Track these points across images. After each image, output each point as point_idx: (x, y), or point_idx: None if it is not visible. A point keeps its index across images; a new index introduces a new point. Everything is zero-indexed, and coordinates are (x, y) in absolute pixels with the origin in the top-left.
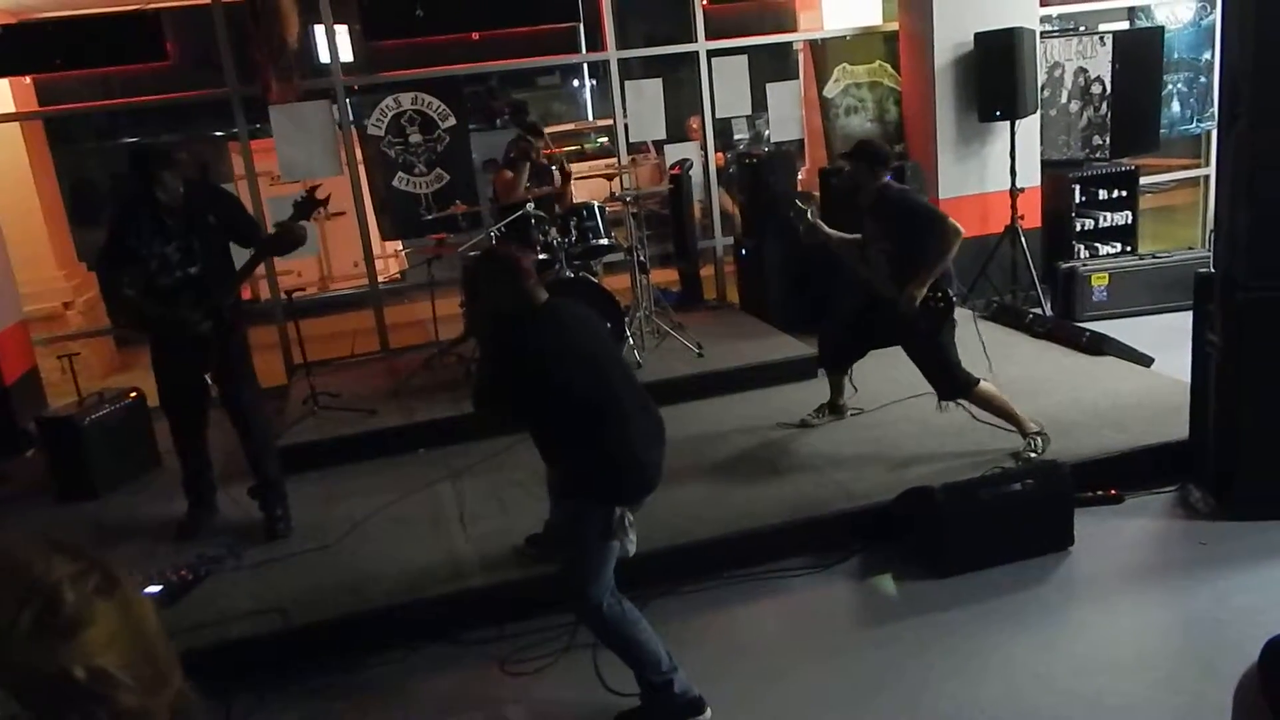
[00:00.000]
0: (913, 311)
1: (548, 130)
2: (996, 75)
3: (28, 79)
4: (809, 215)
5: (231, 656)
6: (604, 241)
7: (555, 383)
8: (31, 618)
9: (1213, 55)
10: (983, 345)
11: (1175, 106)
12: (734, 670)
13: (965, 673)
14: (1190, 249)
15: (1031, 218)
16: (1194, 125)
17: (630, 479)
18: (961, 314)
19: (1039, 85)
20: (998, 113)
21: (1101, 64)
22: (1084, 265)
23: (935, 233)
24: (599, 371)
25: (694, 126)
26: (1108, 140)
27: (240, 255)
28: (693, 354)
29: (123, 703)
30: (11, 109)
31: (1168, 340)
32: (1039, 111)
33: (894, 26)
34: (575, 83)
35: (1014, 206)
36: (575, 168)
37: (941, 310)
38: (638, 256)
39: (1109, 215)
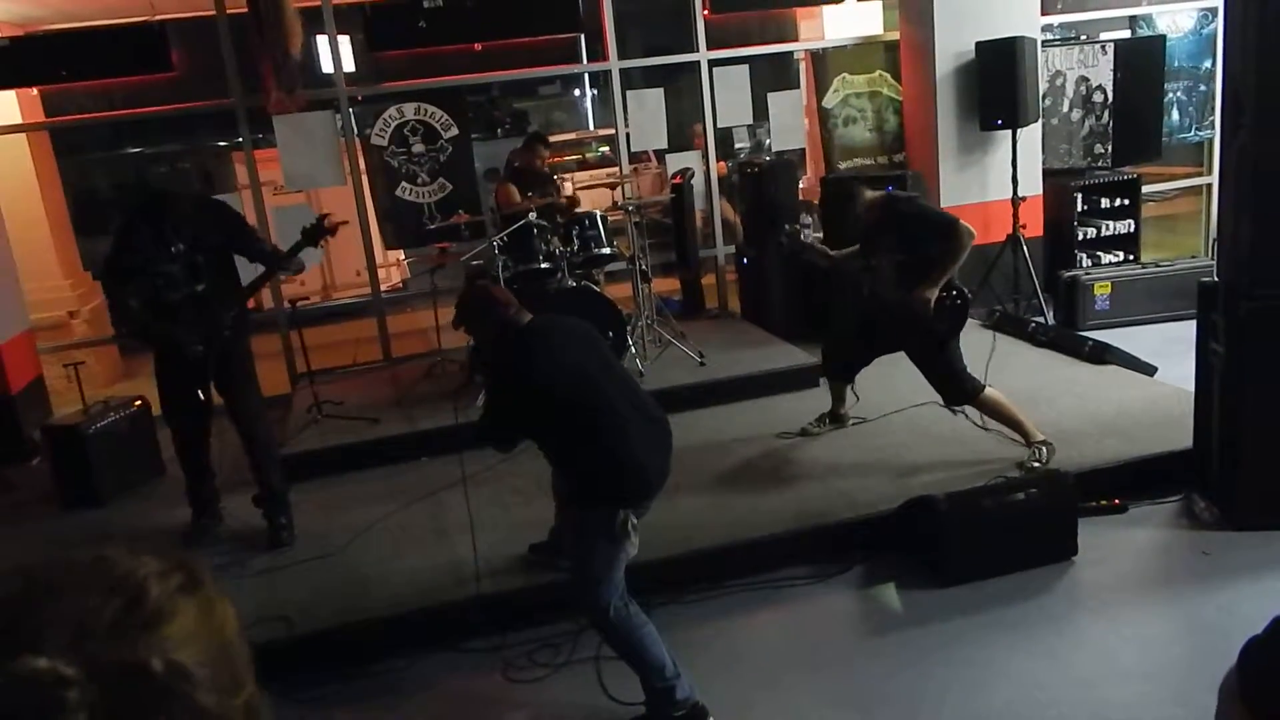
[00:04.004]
0: (928, 313)
1: (550, 138)
2: (998, 84)
3: (34, 90)
4: (802, 237)
5: None
6: (606, 250)
7: (546, 400)
8: (116, 609)
9: (1213, 64)
10: (990, 354)
11: (1175, 115)
12: (735, 679)
13: (967, 683)
14: (1193, 257)
15: (1033, 226)
16: (1193, 134)
17: (632, 482)
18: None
19: (1040, 94)
20: (999, 121)
21: (1103, 73)
22: (1086, 274)
23: (949, 237)
24: (590, 382)
25: (698, 130)
26: (1109, 149)
27: (245, 268)
28: (694, 363)
29: (200, 701)
30: (18, 120)
31: (1171, 349)
32: (1040, 120)
33: (895, 36)
34: (577, 92)
35: (1016, 215)
36: (577, 177)
37: (959, 308)
38: (639, 265)
39: (1111, 224)
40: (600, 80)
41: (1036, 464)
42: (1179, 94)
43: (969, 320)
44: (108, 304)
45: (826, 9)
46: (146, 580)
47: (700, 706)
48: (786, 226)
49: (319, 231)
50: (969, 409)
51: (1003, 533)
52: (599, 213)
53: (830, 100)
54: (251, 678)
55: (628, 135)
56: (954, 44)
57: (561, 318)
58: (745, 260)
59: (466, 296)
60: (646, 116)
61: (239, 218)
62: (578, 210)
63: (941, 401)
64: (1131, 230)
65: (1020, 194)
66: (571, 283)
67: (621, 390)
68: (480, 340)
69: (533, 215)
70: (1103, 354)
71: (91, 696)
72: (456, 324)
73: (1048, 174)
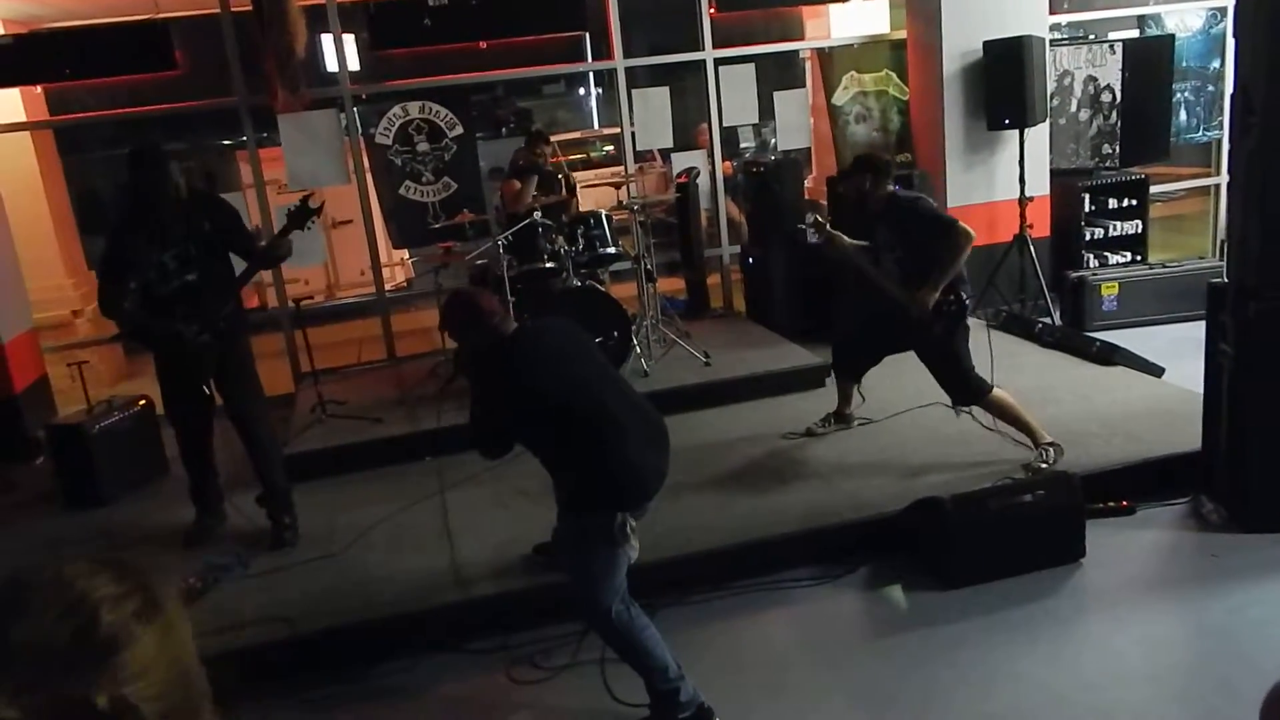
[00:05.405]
0: (926, 315)
1: (554, 138)
2: (1005, 84)
3: (38, 88)
4: (827, 226)
5: (237, 665)
6: (610, 250)
7: (540, 407)
8: (67, 635)
9: (1222, 64)
10: (991, 355)
11: (1182, 115)
12: (739, 681)
13: (973, 685)
14: (1201, 258)
15: (1040, 226)
16: (1200, 134)
17: (629, 486)
18: (972, 322)
19: (1048, 94)
20: (1006, 121)
21: (1111, 72)
22: (1094, 274)
23: (947, 237)
24: (584, 386)
25: (703, 129)
26: (1117, 149)
27: (239, 262)
28: (699, 363)
29: None
30: (22, 118)
31: (1179, 350)
32: (1048, 120)
33: (902, 35)
34: (581, 91)
35: (1023, 215)
36: (581, 176)
37: (955, 313)
38: (644, 265)
39: (1119, 224)
40: (605, 79)
41: (1044, 465)
42: (1187, 94)
43: (978, 320)
44: (100, 308)
45: (833, 7)
46: (99, 606)
47: (706, 707)
48: (809, 216)
49: (304, 213)
50: (975, 410)
51: (1009, 534)
52: (604, 212)
53: (840, 98)
54: (209, 702)
55: (633, 134)
56: (961, 43)
57: (550, 321)
58: (750, 260)
59: (451, 305)
60: (651, 115)
61: (230, 209)
62: (581, 210)
63: (949, 402)
64: (1139, 230)
65: (1027, 194)
66: (576, 282)
67: (616, 392)
68: (465, 346)
69: (537, 214)
70: (1110, 355)
71: None
72: (442, 329)
73: (1055, 174)
